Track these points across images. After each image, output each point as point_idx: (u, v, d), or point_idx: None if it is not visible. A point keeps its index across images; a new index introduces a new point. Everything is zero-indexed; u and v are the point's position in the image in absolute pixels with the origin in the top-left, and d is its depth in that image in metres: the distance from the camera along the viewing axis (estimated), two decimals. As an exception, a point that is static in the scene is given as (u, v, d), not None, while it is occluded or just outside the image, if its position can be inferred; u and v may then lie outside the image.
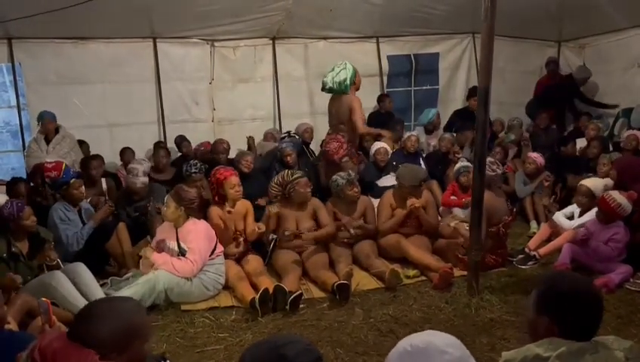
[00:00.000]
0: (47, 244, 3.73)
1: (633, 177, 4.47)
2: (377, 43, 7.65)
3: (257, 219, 4.53)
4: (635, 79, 7.16)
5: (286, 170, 4.64)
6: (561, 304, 1.65)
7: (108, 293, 3.66)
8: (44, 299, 2.42)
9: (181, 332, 3.46)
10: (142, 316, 1.70)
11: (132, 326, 1.63)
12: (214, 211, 4.35)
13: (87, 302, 3.41)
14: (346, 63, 5.20)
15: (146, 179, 4.88)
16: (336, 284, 3.79)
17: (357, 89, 5.25)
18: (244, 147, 6.56)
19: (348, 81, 5.11)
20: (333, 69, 5.23)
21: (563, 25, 7.56)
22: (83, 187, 4.47)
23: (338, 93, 5.22)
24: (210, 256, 3.94)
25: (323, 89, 5.30)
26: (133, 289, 3.63)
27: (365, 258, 4.41)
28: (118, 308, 1.68)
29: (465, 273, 4.03)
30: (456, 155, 6.08)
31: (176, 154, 6.60)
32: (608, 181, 4.30)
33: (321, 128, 6.26)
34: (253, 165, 5.47)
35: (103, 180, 5.35)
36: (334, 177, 4.68)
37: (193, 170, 5.08)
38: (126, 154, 6.18)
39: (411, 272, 4.25)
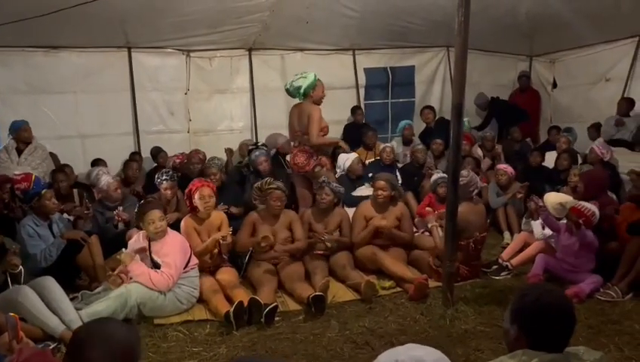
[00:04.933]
0: (11, 249, 3.63)
1: (599, 189, 4.61)
2: (354, 55, 7.73)
3: (232, 228, 4.46)
4: (601, 94, 7.38)
5: (266, 178, 4.63)
6: (531, 316, 1.68)
7: (79, 308, 3.55)
8: (11, 314, 2.35)
9: (154, 347, 3.39)
10: (137, 340, 1.66)
11: (128, 351, 1.58)
12: (187, 222, 4.29)
13: (56, 317, 3.35)
14: (308, 74, 5.11)
15: (110, 179, 4.90)
16: (311, 296, 3.78)
17: (316, 102, 5.08)
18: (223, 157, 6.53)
19: (302, 90, 5.02)
20: (296, 75, 5.19)
21: (534, 40, 7.77)
22: (54, 198, 4.36)
23: (292, 97, 5.18)
24: (184, 268, 3.88)
25: (286, 91, 5.25)
26: (104, 303, 3.54)
27: (341, 269, 4.41)
28: (112, 332, 1.62)
29: (440, 284, 4.06)
30: (430, 170, 6.14)
31: (151, 165, 6.52)
32: (568, 199, 4.40)
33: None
34: (227, 176, 5.44)
35: (75, 191, 5.24)
36: (324, 178, 4.79)
37: (164, 178, 5.03)
38: (98, 165, 6.05)
39: (387, 283, 4.27)
